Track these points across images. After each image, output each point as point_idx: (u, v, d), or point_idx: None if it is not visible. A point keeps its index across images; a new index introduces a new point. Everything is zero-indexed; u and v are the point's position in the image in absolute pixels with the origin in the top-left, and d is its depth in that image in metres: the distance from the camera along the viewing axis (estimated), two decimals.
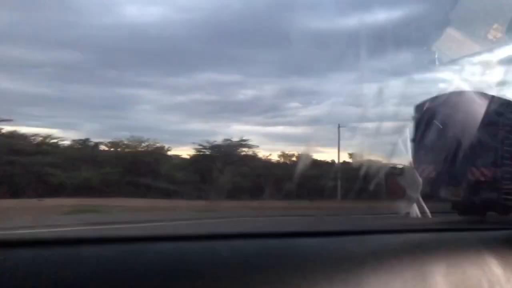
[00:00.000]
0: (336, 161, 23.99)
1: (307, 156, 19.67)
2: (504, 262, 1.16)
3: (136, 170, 19.29)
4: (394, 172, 10.52)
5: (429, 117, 11.17)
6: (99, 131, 28.87)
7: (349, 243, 1.14)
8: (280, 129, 37.32)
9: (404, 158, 10.34)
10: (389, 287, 0.98)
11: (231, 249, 0.97)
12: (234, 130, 39.07)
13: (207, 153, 22.69)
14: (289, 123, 33.64)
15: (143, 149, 21.81)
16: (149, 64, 27.37)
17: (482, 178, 10.43)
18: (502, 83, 10.62)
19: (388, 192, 10.48)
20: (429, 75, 14.82)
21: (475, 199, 10.59)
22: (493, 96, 10.08)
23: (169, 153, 23.34)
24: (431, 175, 11.02)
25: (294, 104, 34.12)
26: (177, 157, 23.68)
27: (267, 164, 23.80)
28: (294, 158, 24.42)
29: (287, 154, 25.60)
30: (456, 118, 9.65)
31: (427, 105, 11.36)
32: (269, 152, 27.34)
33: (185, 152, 24.57)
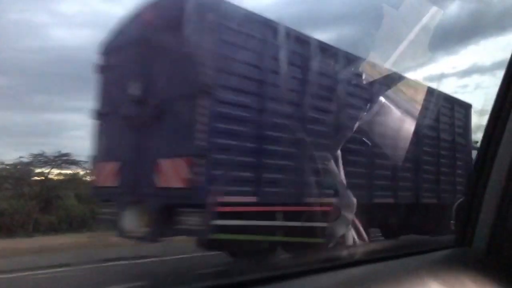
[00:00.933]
0: None
1: None
2: (446, 284, 1.13)
3: None
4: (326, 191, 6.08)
5: (119, 68, 6.07)
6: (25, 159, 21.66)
7: None
8: None
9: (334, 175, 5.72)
10: None
11: None
12: None
13: None
14: None
15: None
16: (80, 88, 24.66)
17: (176, 183, 5.07)
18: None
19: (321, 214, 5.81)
20: None
21: (167, 230, 5.35)
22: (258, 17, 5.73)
23: None
24: (111, 182, 5.87)
25: None
26: None
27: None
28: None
29: None
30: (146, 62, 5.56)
31: (114, 41, 6.29)
32: None
33: None
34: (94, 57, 6.60)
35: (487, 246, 1.34)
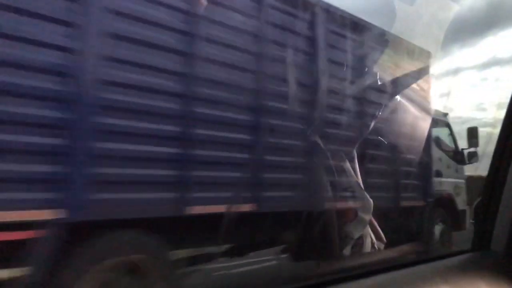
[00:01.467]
0: None
1: None
2: None
3: None
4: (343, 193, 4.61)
5: None
6: None
7: None
8: None
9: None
10: None
11: None
12: None
13: None
14: None
15: None
16: None
17: None
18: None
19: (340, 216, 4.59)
20: None
21: None
22: None
23: None
24: None
25: None
26: None
27: None
28: None
29: None
30: None
31: None
32: None
33: None
34: None
35: (505, 249, 1.32)
